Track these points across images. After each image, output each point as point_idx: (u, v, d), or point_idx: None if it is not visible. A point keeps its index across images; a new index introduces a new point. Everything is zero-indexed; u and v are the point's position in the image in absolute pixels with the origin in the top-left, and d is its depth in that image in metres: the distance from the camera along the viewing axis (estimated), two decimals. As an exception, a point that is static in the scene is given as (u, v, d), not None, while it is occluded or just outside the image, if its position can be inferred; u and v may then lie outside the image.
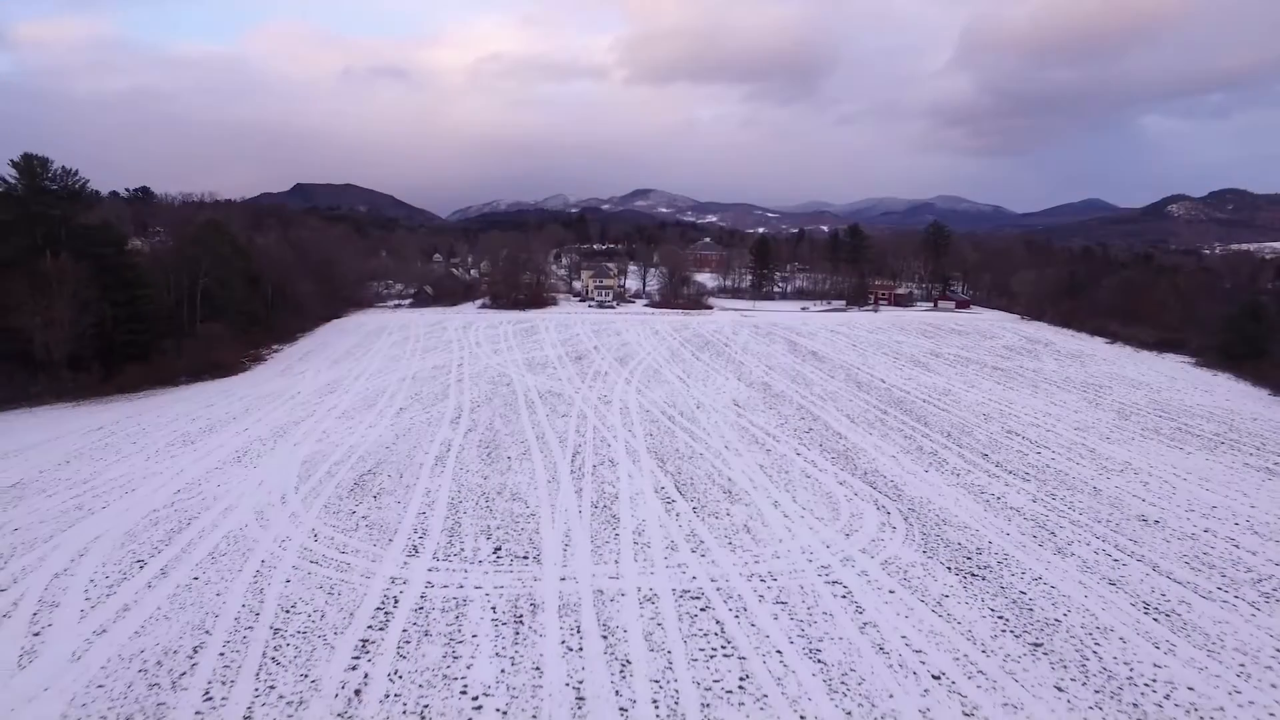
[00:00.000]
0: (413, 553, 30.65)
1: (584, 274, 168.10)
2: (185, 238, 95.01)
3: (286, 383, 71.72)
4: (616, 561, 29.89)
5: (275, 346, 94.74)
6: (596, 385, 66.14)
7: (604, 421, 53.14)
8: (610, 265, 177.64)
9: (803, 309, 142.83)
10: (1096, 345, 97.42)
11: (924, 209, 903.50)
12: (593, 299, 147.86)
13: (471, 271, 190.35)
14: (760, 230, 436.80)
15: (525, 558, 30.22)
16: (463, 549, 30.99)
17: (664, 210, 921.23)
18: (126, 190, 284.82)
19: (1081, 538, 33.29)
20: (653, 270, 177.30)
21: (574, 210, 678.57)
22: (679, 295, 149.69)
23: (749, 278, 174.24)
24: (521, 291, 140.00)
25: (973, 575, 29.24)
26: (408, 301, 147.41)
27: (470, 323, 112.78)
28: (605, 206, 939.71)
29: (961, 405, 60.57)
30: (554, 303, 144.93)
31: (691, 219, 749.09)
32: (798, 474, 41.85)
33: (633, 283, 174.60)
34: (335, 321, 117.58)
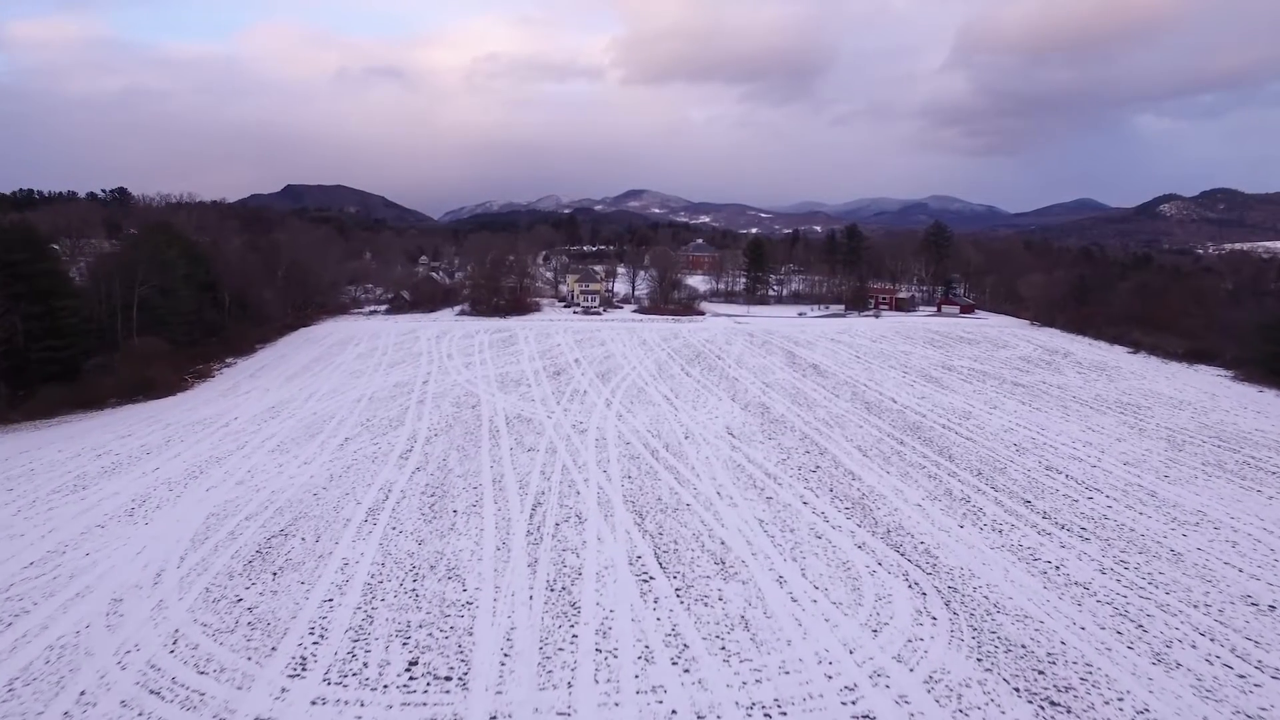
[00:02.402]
0: (298, 669, 22.87)
1: (570, 278, 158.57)
2: (127, 242, 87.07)
3: (227, 404, 63.80)
4: (570, 684, 22.17)
5: (229, 360, 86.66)
6: (573, 408, 58.38)
7: (576, 458, 45.48)
8: (598, 268, 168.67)
9: (800, 314, 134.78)
10: (1119, 355, 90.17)
11: (917, 209, 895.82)
12: (578, 305, 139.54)
13: (457, 274, 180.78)
14: (754, 231, 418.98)
15: (448, 678, 22.43)
16: (366, 664, 23.24)
17: (657, 211, 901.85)
18: (103, 191, 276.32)
19: (1181, 633, 25.80)
20: (642, 273, 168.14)
21: (566, 211, 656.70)
22: (669, 300, 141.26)
23: (743, 281, 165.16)
24: (502, 297, 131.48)
25: (1052, 704, 21.64)
26: (384, 308, 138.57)
27: (445, 331, 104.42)
28: (598, 207, 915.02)
29: (987, 432, 53.13)
30: (537, 308, 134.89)
31: (684, 220, 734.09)
32: (806, 533, 34.32)
33: (622, 286, 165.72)
34: (303, 330, 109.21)
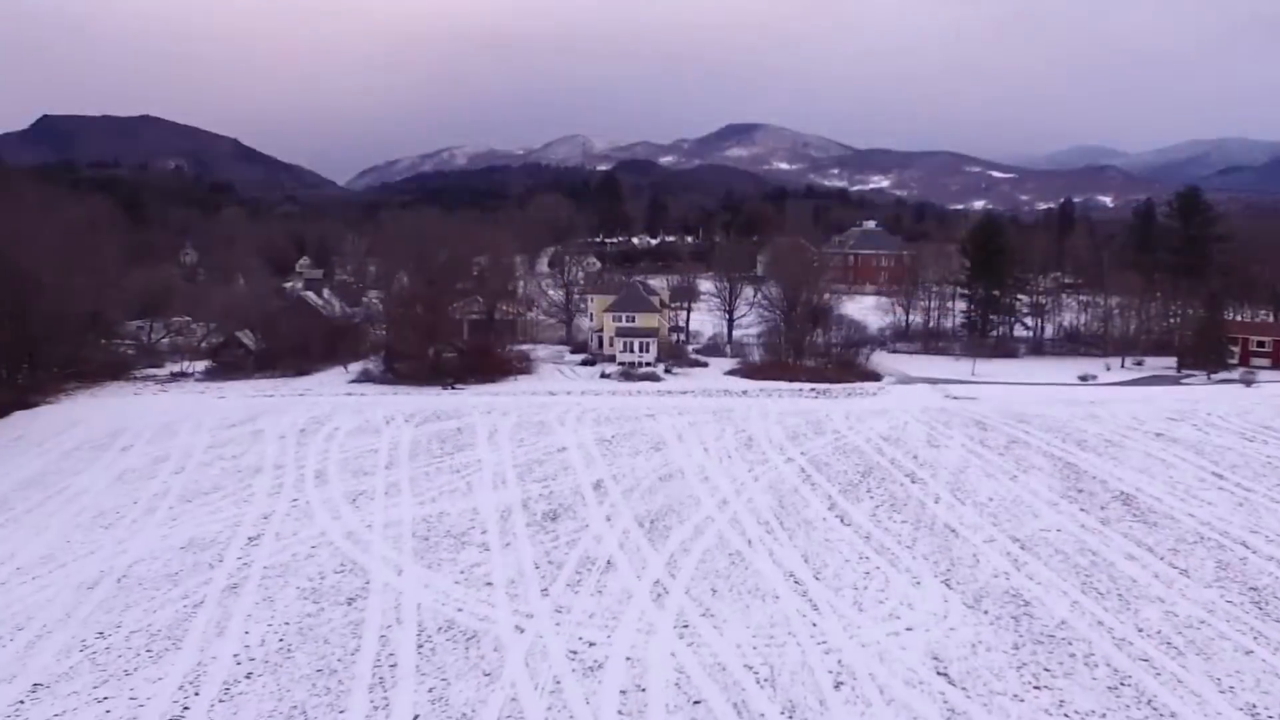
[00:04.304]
0: None
1: (596, 302, 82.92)
2: None
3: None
4: None
5: None
6: (577, 605, 26.50)
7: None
8: (657, 283, 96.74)
9: (1082, 379, 72.47)
10: None
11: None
12: (610, 359, 75.08)
13: (370, 296, 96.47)
14: (979, 206, 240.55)
15: None
16: None
17: (784, 166, 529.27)
18: None
19: None
20: (750, 292, 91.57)
21: (601, 168, 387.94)
22: (804, 347, 77.30)
23: (960, 308, 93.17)
24: (451, 344, 72.32)
25: None
26: (201, 367, 75.48)
27: (320, 420, 52.90)
28: (666, 159, 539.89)
29: None
30: (526, 368, 72.34)
31: (839, 183, 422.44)
32: None
33: (707, 320, 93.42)
34: (19, 416, 56.04)
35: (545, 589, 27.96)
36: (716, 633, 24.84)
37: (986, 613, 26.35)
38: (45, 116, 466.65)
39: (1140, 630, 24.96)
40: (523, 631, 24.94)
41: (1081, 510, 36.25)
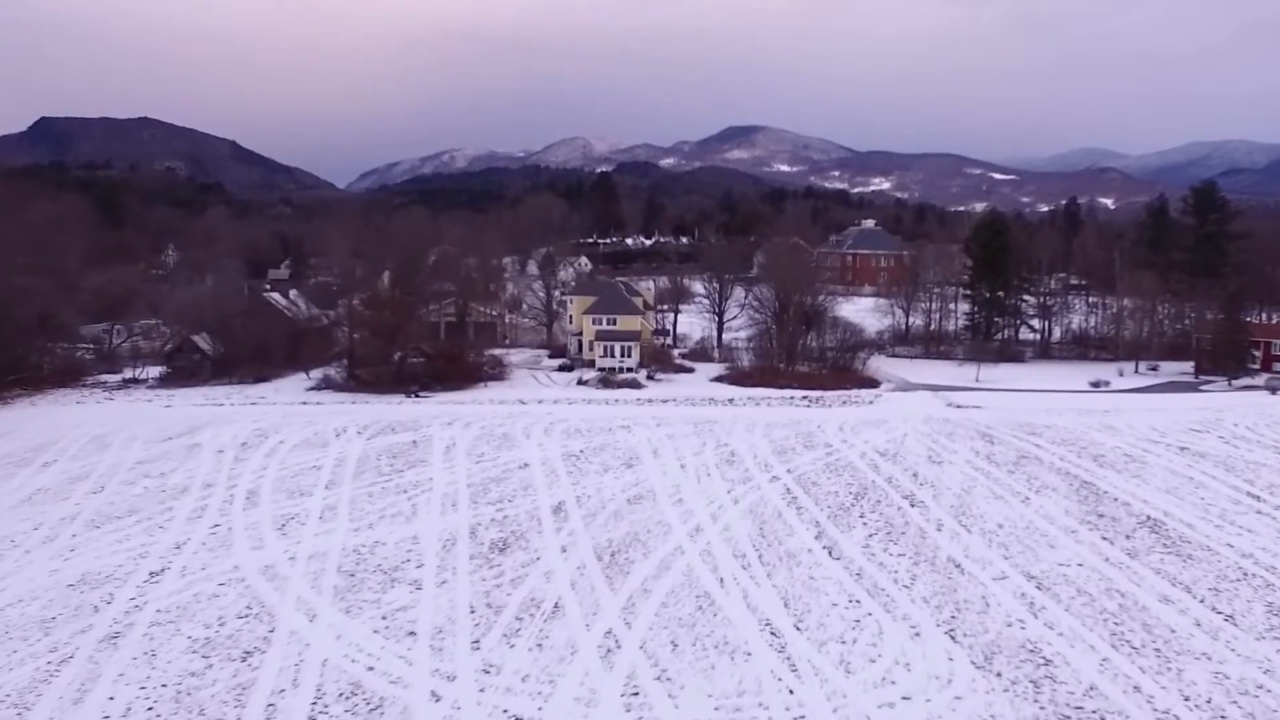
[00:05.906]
0: None
1: (576, 303, 79.29)
2: None
3: None
4: None
5: None
6: (513, 660, 22.61)
7: None
8: (644, 284, 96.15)
9: (1094, 385, 68.79)
10: None
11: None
12: (590, 365, 71.29)
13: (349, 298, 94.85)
14: (979, 208, 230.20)
15: None
16: None
17: (784, 168, 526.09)
18: None
19: None
20: (742, 293, 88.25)
21: (600, 169, 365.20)
22: (798, 352, 72.82)
23: (963, 309, 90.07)
24: (418, 351, 66.67)
25: None
26: (156, 372, 70.11)
27: (266, 432, 48.79)
28: (667, 161, 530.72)
29: None
30: (499, 375, 68.72)
31: (838, 184, 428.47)
32: None
33: (696, 322, 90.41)
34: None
35: (476, 641, 23.76)
36: (672, 703, 20.45)
37: (1000, 675, 21.84)
38: (43, 118, 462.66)
39: (1186, 699, 20.46)
40: (438, 700, 20.57)
41: (1104, 539, 31.75)
